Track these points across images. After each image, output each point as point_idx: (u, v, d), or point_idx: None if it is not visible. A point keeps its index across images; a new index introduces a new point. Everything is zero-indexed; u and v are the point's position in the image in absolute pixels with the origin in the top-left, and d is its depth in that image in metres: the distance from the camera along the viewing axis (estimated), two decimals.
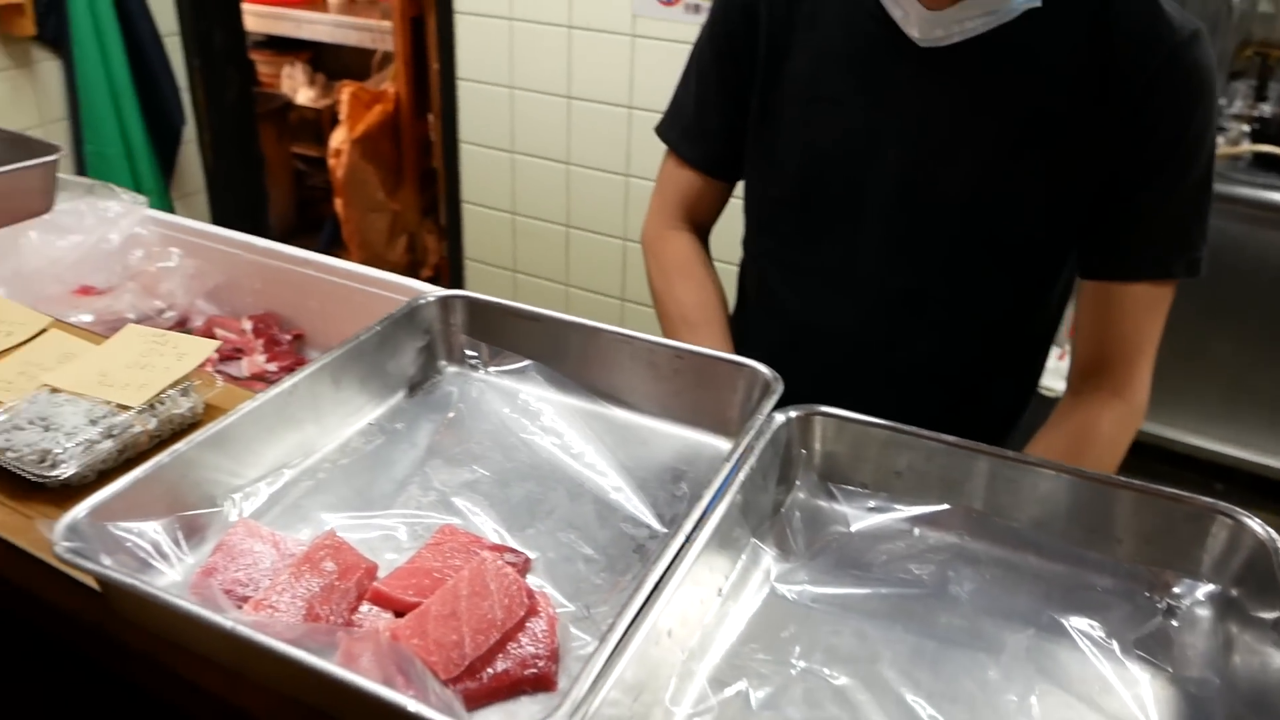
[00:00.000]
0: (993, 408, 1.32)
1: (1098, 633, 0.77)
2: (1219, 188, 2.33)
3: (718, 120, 1.30)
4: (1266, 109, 2.71)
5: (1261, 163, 2.59)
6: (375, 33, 4.26)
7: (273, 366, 1.63)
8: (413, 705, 0.58)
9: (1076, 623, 0.78)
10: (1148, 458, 2.92)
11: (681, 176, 1.37)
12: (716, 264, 1.40)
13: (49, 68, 2.92)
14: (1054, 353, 2.49)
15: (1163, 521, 0.81)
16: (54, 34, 2.85)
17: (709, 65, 1.29)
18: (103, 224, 1.78)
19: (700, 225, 1.41)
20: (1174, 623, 0.79)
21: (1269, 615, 0.74)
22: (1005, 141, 1.10)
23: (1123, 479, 0.83)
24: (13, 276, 1.65)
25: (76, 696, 1.12)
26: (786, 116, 1.21)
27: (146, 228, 1.79)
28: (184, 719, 0.89)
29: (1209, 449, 2.93)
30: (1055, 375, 2.44)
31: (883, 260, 1.19)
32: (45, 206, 1.54)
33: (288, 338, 1.70)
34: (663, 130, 1.37)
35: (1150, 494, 0.82)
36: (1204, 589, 0.80)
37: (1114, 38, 1.06)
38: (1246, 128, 2.67)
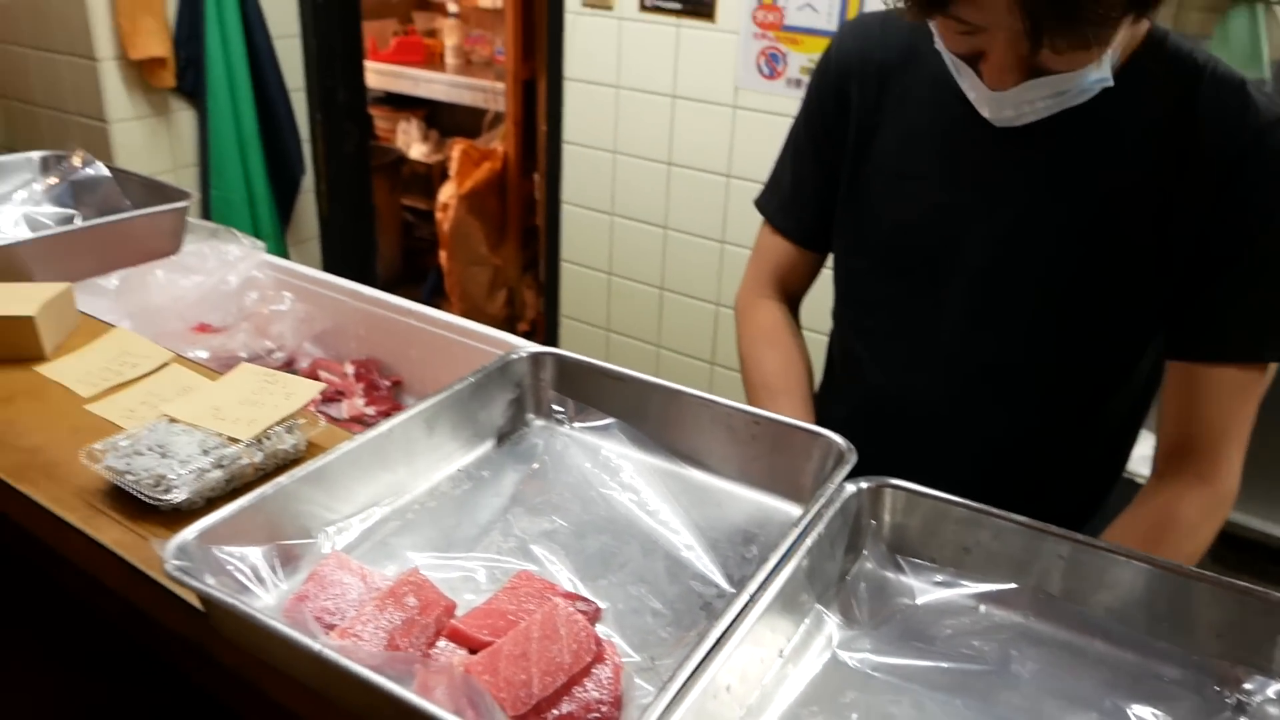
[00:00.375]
0: (1073, 490, 1.31)
1: None
2: None
3: (811, 194, 1.34)
4: None
5: None
6: (488, 93, 4.42)
7: (371, 410, 1.71)
8: None
9: (1140, 711, 0.77)
10: (1258, 555, 2.82)
11: (776, 246, 1.41)
12: (807, 334, 1.43)
13: (184, 117, 3.11)
14: (1150, 440, 2.43)
15: (1235, 614, 0.81)
16: (191, 86, 3.04)
17: (804, 143, 1.34)
18: (223, 266, 1.88)
19: (792, 294, 1.45)
20: (1243, 719, 0.78)
21: None
22: (1084, 219, 1.12)
23: (1194, 569, 0.83)
24: (140, 311, 1.76)
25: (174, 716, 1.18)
26: (873, 192, 1.24)
27: (263, 271, 1.89)
28: None
29: None
30: (1147, 463, 2.38)
31: (963, 334, 1.21)
32: (175, 248, 1.65)
33: (387, 384, 1.77)
34: (760, 202, 1.43)
35: (1222, 586, 0.81)
36: (1275, 686, 0.79)
37: (1198, 120, 1.07)
38: None
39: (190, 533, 0.82)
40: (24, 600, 1.29)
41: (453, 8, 4.81)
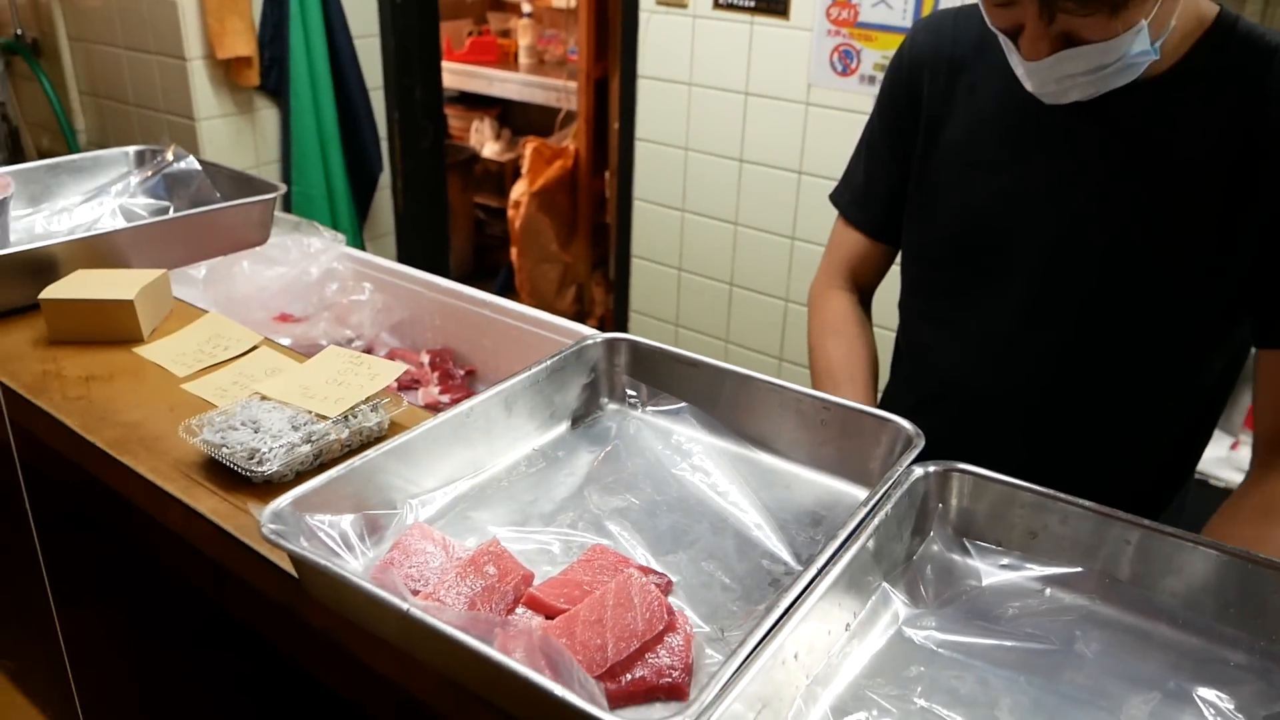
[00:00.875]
0: (1139, 485, 1.31)
1: (1226, 704, 0.77)
2: None
3: (884, 188, 1.37)
4: None
5: None
6: (560, 92, 4.48)
7: (445, 398, 1.75)
8: (559, 690, 0.65)
9: (1205, 693, 0.78)
10: None
11: (849, 238, 1.44)
12: (877, 330, 1.45)
13: (268, 115, 3.21)
14: (1226, 442, 2.39)
15: None
16: (275, 85, 3.14)
17: (878, 137, 1.37)
18: (305, 258, 1.95)
19: (863, 286, 1.48)
20: None
21: None
22: (1150, 202, 1.13)
23: (1260, 556, 0.83)
24: (226, 300, 1.83)
25: (259, 686, 1.23)
26: (943, 180, 1.27)
27: (342, 263, 1.95)
28: (352, 706, 0.98)
29: None
30: (1226, 465, 2.35)
31: (1028, 319, 1.22)
32: (263, 238, 1.71)
33: (461, 373, 1.82)
34: (835, 195, 1.46)
35: None
36: None
37: (1269, 101, 1.07)
38: None
39: (285, 499, 0.86)
40: (118, 575, 1.36)
41: (527, 8, 4.88)
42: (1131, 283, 1.15)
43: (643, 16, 2.88)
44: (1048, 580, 0.90)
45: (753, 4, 2.65)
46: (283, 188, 1.72)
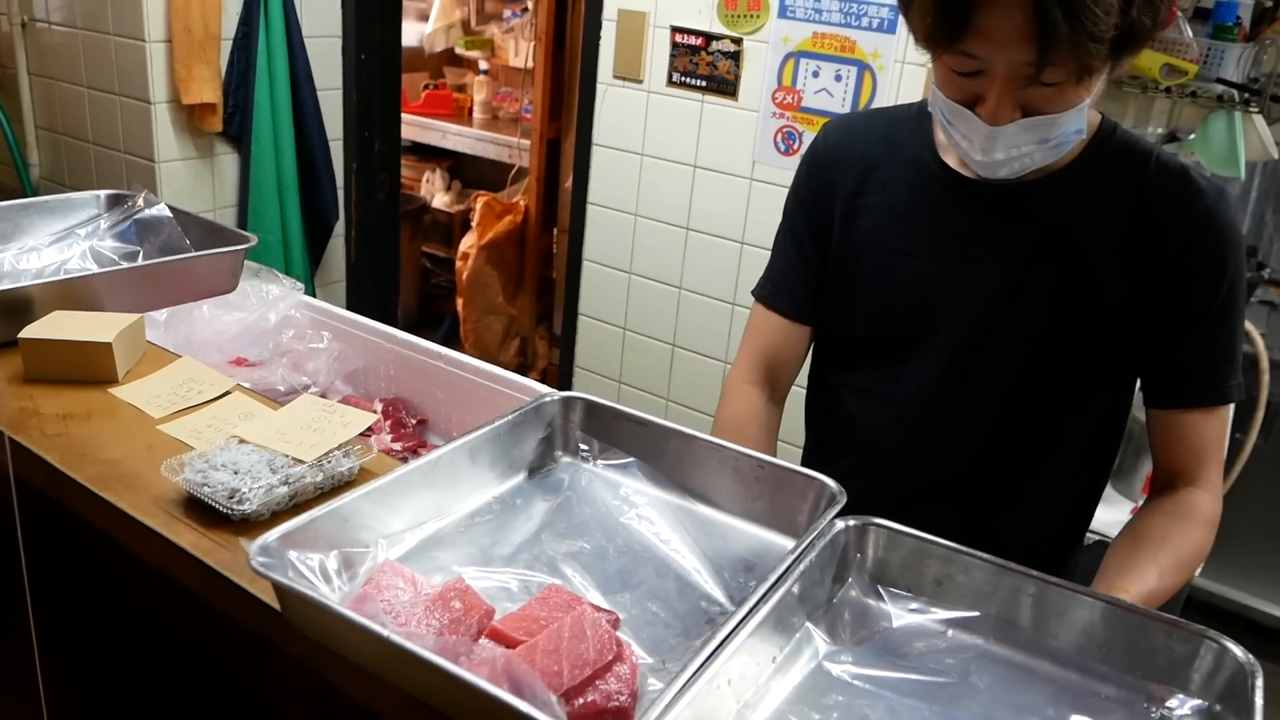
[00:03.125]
0: (1045, 542, 1.43)
1: None
2: None
3: (805, 272, 1.47)
4: None
5: None
6: (513, 149, 4.60)
7: (397, 446, 1.83)
8: (524, 706, 0.75)
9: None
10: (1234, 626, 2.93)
11: (768, 323, 1.51)
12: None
13: (228, 160, 3.27)
14: (1126, 506, 2.56)
15: (1162, 643, 0.94)
16: (237, 131, 3.20)
17: (798, 226, 1.47)
18: (263, 304, 2.01)
19: (779, 381, 1.53)
20: None
21: None
22: (1059, 287, 1.26)
23: (1129, 604, 0.97)
24: (185, 343, 1.89)
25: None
26: (864, 268, 1.38)
27: (300, 311, 2.02)
28: None
29: None
30: (1112, 527, 2.50)
31: (952, 394, 1.34)
32: (232, 286, 1.78)
33: (413, 422, 1.89)
34: (757, 289, 1.54)
35: (1152, 618, 0.95)
36: (1192, 703, 0.92)
37: (1149, 201, 1.23)
38: None
39: (273, 535, 0.95)
40: (80, 611, 1.41)
41: (484, 65, 5.02)
42: (1046, 355, 1.29)
43: (600, 88, 3.02)
44: (950, 623, 1.02)
45: (704, 84, 2.81)
46: (254, 238, 1.79)
